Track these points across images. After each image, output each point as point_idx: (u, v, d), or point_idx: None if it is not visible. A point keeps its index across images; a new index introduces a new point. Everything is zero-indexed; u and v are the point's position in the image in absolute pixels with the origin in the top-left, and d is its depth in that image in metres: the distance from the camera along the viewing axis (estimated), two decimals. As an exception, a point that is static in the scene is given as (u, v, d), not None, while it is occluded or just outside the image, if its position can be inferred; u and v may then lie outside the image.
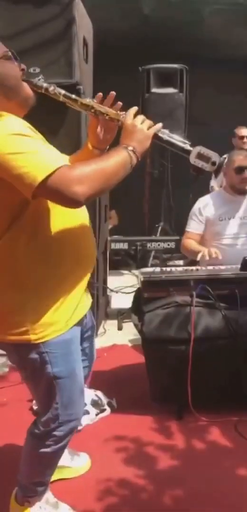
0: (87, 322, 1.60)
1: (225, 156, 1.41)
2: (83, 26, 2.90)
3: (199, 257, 2.56)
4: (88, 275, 1.47)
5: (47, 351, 1.36)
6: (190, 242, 2.83)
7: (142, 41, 4.33)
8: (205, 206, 2.84)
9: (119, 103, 1.43)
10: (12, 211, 1.28)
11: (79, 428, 2.13)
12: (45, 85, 1.38)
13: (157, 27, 4.41)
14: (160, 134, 1.39)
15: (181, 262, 4.01)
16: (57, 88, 1.40)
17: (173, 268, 2.57)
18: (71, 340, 1.42)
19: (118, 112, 1.41)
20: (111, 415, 2.29)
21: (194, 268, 2.50)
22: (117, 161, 1.28)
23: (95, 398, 2.33)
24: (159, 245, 4.06)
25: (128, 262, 4.56)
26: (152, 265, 4.14)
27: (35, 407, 2.26)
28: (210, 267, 2.49)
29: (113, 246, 3.99)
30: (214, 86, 5.06)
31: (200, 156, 1.39)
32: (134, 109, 1.40)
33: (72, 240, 1.37)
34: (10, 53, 1.34)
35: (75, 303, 1.41)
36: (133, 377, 2.63)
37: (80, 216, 1.40)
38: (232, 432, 2.12)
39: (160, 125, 1.39)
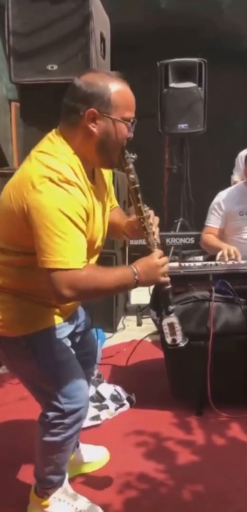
0: (79, 317, 1.67)
1: (183, 343, 1.53)
2: (100, 22, 2.91)
3: (218, 257, 2.53)
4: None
5: (30, 343, 1.44)
6: (210, 238, 2.80)
7: (159, 35, 4.29)
8: (225, 200, 2.80)
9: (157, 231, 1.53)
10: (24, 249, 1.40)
11: (98, 422, 2.15)
12: (131, 166, 1.45)
13: (174, 20, 4.37)
14: (165, 284, 1.48)
15: (200, 257, 3.96)
16: (136, 179, 1.46)
17: (192, 263, 2.55)
18: (55, 333, 1.48)
19: (154, 239, 1.49)
20: (130, 410, 2.30)
21: (213, 263, 2.48)
22: (120, 281, 1.38)
23: (115, 393, 2.34)
24: (178, 240, 4.02)
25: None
26: (171, 261, 4.11)
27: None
28: (230, 262, 2.46)
29: (132, 242, 3.95)
30: (234, 79, 4.98)
31: (170, 326, 1.50)
32: (161, 253, 1.47)
33: None
34: (131, 122, 1.41)
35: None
36: (152, 372, 2.63)
37: None
38: (253, 429, 2.10)
39: (168, 279, 1.47)
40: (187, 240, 3.97)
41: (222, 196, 2.84)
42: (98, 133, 1.38)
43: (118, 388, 2.38)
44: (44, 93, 2.78)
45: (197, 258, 3.91)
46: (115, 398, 2.31)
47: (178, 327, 1.49)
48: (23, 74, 2.79)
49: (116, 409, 2.27)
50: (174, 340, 1.49)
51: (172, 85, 4.13)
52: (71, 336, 1.60)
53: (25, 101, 2.93)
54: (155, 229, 1.52)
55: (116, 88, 1.37)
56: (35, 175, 1.31)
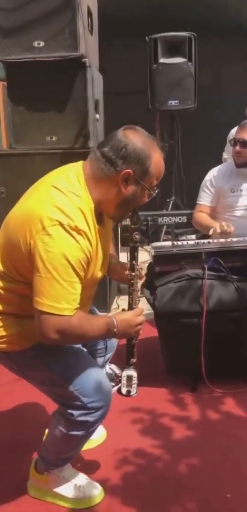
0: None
1: (136, 394, 1.69)
2: (87, -5, 2.83)
3: (211, 232, 2.53)
4: None
5: (37, 353, 1.45)
6: (202, 216, 2.79)
7: (148, 9, 4.20)
8: (216, 177, 2.79)
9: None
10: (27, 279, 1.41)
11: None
12: (137, 225, 1.56)
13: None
14: (135, 338, 1.62)
15: (193, 236, 3.97)
16: (139, 239, 1.57)
17: (185, 242, 2.55)
18: None
19: (138, 299, 1.60)
20: (126, 388, 2.32)
21: (205, 241, 2.48)
22: (102, 331, 1.43)
23: (110, 372, 2.35)
24: (170, 219, 4.01)
25: (139, 238, 4.53)
26: (164, 240, 4.11)
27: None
28: (222, 240, 2.46)
29: (124, 222, 3.95)
30: (224, 53, 4.91)
31: (129, 378, 1.67)
32: (141, 310, 1.55)
33: None
34: (154, 192, 1.47)
35: None
36: (146, 350, 2.64)
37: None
38: (245, 403, 2.14)
39: (140, 333, 1.54)
40: (180, 219, 3.96)
41: (213, 173, 2.82)
42: (126, 193, 1.41)
43: (113, 367, 2.39)
44: (32, 71, 2.72)
45: (189, 236, 3.92)
46: (110, 377, 2.33)
47: (135, 380, 1.63)
48: (9, 52, 2.71)
49: (112, 387, 2.29)
50: (128, 391, 1.68)
51: (161, 60, 4.06)
52: None
53: (12, 80, 2.86)
54: (140, 286, 1.62)
55: (156, 159, 1.41)
56: (46, 215, 1.31)
